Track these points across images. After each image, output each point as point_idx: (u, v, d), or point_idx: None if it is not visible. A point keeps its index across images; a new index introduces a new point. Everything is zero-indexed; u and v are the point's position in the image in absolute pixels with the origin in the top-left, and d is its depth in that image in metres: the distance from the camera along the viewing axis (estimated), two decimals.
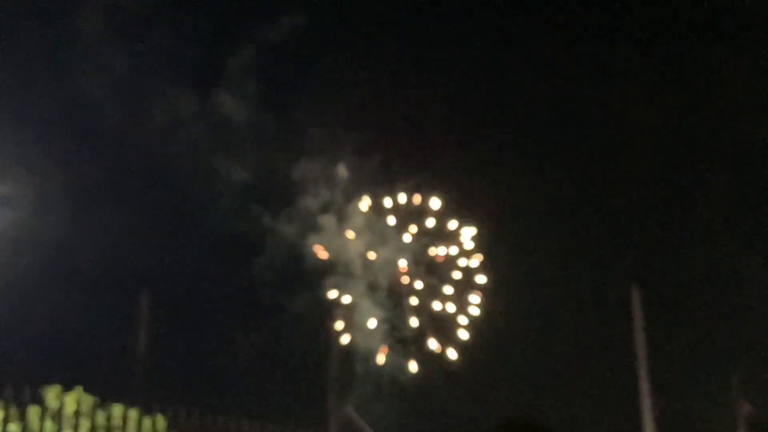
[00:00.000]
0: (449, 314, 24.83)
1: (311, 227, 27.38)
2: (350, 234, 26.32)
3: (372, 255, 26.53)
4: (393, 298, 25.93)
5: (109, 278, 25.04)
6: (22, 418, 9.48)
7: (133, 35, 27.24)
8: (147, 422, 10.68)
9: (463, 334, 23.79)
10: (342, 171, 28.19)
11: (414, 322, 24.73)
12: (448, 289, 24.72)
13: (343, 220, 28.04)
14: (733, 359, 22.08)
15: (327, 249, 27.07)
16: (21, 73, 24.25)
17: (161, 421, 10.79)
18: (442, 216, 25.70)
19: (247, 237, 27.31)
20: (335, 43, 30.19)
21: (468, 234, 25.26)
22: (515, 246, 27.63)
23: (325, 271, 26.71)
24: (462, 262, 25.11)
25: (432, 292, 25.41)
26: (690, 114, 29.62)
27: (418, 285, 25.02)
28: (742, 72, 28.60)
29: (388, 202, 25.44)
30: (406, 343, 24.48)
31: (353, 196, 28.24)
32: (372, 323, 24.63)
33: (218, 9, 29.19)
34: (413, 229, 25.63)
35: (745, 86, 28.07)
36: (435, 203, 25.27)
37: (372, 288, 26.11)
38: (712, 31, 29.58)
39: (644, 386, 18.16)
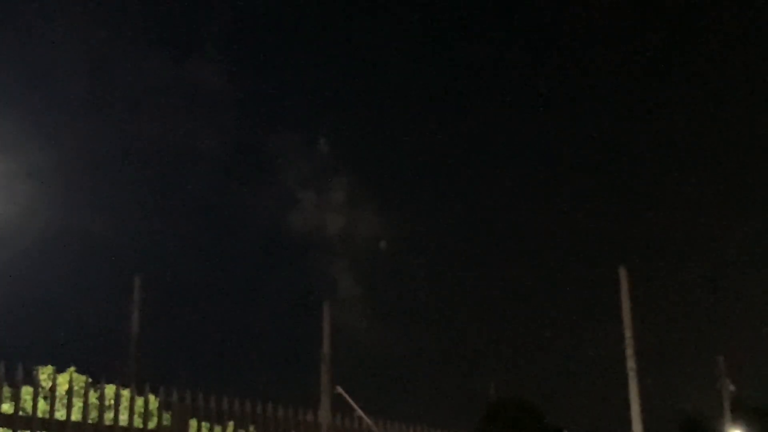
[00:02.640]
0: None
1: (291, 202, 27.28)
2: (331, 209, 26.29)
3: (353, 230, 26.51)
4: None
5: (102, 258, 25.12)
6: (15, 398, 9.59)
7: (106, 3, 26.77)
8: (139, 402, 10.82)
9: None
10: (323, 145, 28.10)
11: None
12: None
13: (323, 195, 27.94)
14: (719, 340, 22.34)
15: (307, 224, 27.06)
16: None
17: (154, 401, 10.92)
18: None
19: (234, 215, 27.32)
20: (315, 11, 29.88)
21: None
22: (499, 228, 27.82)
23: (307, 247, 26.68)
24: None
25: None
26: (681, 97, 29.74)
27: None
28: (724, 65, 28.75)
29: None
30: None
31: (334, 169, 28.17)
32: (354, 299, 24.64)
33: None
34: None
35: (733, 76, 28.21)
36: None
37: (353, 263, 26.12)
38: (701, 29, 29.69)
39: (631, 365, 18.35)
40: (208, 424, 11.12)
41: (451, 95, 29.40)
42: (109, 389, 10.60)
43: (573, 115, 29.76)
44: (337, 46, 29.13)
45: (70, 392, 10.00)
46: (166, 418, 10.90)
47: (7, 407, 9.62)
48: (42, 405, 10.03)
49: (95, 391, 10.61)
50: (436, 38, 30.24)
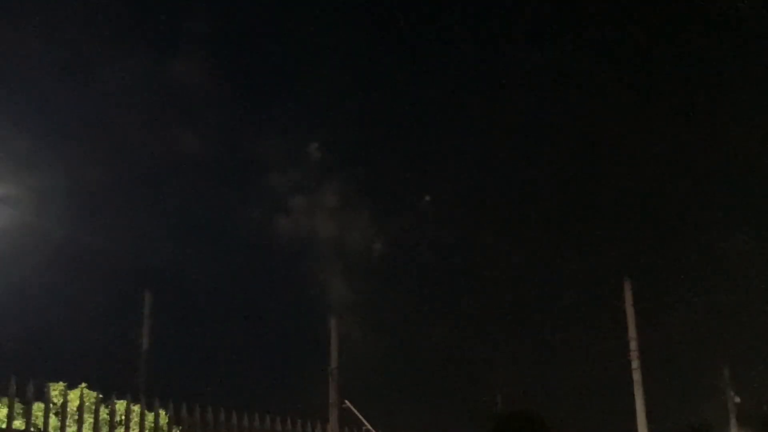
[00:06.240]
0: None
1: (283, 208, 27.15)
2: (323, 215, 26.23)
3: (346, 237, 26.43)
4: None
5: (112, 275, 25.17)
6: (26, 414, 9.73)
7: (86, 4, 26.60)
8: (150, 417, 10.94)
9: None
10: (314, 150, 27.97)
11: None
12: None
13: (315, 201, 27.80)
14: (724, 352, 22.34)
15: (299, 230, 26.97)
16: None
17: (163, 416, 11.04)
18: None
19: (238, 226, 27.31)
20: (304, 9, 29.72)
21: None
22: (504, 237, 27.80)
23: (301, 254, 26.57)
24: None
25: None
26: (681, 106, 29.79)
27: None
28: (730, 72, 28.80)
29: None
30: None
31: (325, 175, 28.00)
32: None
33: None
34: None
35: (734, 83, 28.27)
36: None
37: (347, 269, 26.04)
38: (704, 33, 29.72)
39: (637, 378, 18.44)
40: None
41: (447, 96, 29.36)
42: (120, 405, 10.72)
43: (575, 127, 29.83)
44: (326, 45, 29.06)
45: (81, 408, 10.13)
46: None
47: (19, 423, 9.74)
48: (53, 421, 10.16)
49: (106, 406, 10.72)
50: (432, 37, 30.20)
